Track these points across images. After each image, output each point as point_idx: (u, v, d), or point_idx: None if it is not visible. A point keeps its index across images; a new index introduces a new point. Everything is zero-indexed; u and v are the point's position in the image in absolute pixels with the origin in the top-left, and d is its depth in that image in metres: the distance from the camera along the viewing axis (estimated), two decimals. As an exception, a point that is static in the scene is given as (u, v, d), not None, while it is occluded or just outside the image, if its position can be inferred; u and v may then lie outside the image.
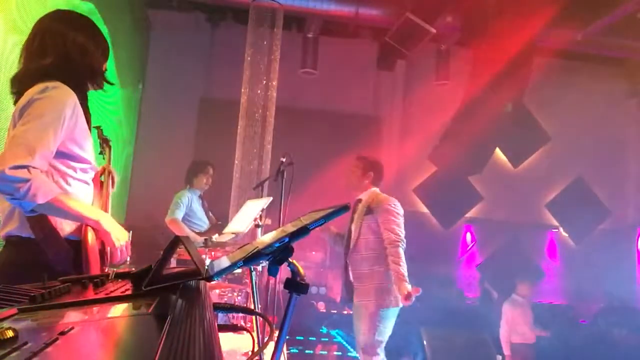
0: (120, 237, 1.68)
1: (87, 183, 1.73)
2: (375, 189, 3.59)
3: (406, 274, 3.20)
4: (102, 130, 2.09)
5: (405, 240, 3.33)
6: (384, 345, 3.35)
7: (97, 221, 1.63)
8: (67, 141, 1.59)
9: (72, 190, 1.64)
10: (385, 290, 3.32)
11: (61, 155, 1.59)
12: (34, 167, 1.45)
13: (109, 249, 1.68)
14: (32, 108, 1.51)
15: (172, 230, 4.47)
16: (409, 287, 3.13)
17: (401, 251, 3.27)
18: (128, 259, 1.76)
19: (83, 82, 1.72)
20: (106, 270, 1.62)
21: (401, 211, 3.43)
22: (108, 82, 1.81)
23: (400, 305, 3.29)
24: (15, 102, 1.64)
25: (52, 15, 1.74)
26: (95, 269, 1.61)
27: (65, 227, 1.62)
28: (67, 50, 1.65)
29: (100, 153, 2.06)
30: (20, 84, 1.62)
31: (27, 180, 1.42)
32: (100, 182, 1.95)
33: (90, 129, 1.74)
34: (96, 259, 1.64)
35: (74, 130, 1.60)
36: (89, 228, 1.64)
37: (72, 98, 1.59)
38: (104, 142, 2.10)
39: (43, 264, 1.52)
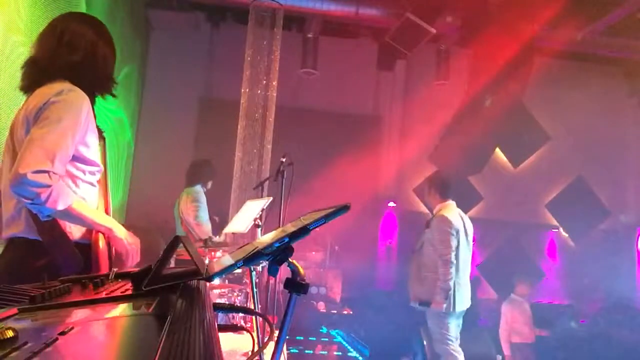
0: (131, 242, 1.72)
1: (94, 185, 1.74)
2: (443, 203, 3.90)
3: (445, 291, 3.61)
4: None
5: (451, 255, 3.64)
6: (452, 336, 3.75)
7: (109, 228, 1.65)
8: (78, 144, 1.60)
9: (80, 192, 1.65)
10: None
11: (72, 158, 1.60)
12: (54, 173, 1.45)
13: (114, 252, 1.70)
14: (48, 111, 1.51)
15: (197, 232, 4.35)
16: (442, 305, 3.61)
17: (449, 269, 3.62)
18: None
19: (98, 88, 1.76)
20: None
21: (450, 227, 3.70)
22: (112, 95, 1.84)
23: (458, 310, 3.68)
24: (23, 90, 1.65)
25: (82, 19, 1.79)
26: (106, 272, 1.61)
27: (75, 231, 1.63)
28: (95, 58, 1.71)
29: None
30: (43, 73, 1.63)
31: (49, 186, 1.42)
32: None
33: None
34: (106, 263, 1.65)
35: (86, 134, 1.62)
36: (100, 232, 1.66)
37: (87, 102, 1.61)
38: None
39: (50, 266, 1.52)
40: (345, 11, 6.12)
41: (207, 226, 4.39)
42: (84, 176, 1.67)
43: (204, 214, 4.40)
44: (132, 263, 1.73)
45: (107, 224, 1.65)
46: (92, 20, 1.81)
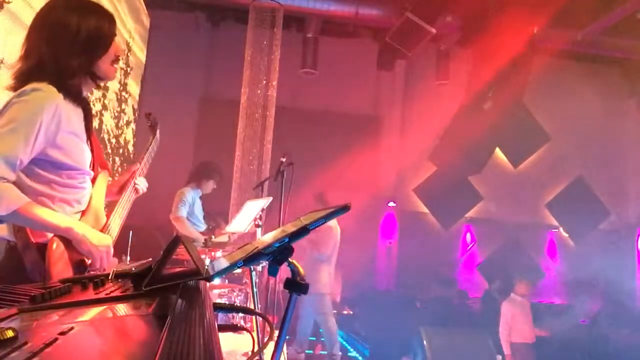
0: (97, 243, 1.56)
1: (76, 187, 1.62)
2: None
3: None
4: (149, 114, 2.14)
5: (324, 254, 4.91)
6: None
7: (68, 228, 1.50)
8: (48, 147, 1.49)
9: (60, 195, 1.56)
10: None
11: (43, 162, 1.50)
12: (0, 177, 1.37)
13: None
14: (6, 113, 1.42)
15: (177, 227, 4.46)
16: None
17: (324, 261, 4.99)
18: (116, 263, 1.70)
19: (80, 79, 1.59)
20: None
21: (332, 236, 4.92)
22: (101, 79, 1.64)
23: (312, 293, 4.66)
24: (12, 90, 1.53)
25: (64, 4, 1.58)
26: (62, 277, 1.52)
27: (36, 233, 1.53)
28: (74, 40, 1.52)
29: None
30: (28, 76, 1.50)
31: None
32: (122, 185, 1.97)
33: (90, 130, 1.65)
34: (67, 266, 1.53)
35: (56, 136, 1.49)
36: (56, 235, 1.53)
37: (52, 101, 1.46)
38: (150, 127, 2.17)
39: (26, 269, 1.47)
40: (345, 11, 6.12)
41: (184, 223, 4.46)
42: (60, 179, 1.56)
43: (182, 211, 4.48)
44: (102, 266, 1.57)
45: (63, 224, 1.50)
46: (76, 2, 1.58)
